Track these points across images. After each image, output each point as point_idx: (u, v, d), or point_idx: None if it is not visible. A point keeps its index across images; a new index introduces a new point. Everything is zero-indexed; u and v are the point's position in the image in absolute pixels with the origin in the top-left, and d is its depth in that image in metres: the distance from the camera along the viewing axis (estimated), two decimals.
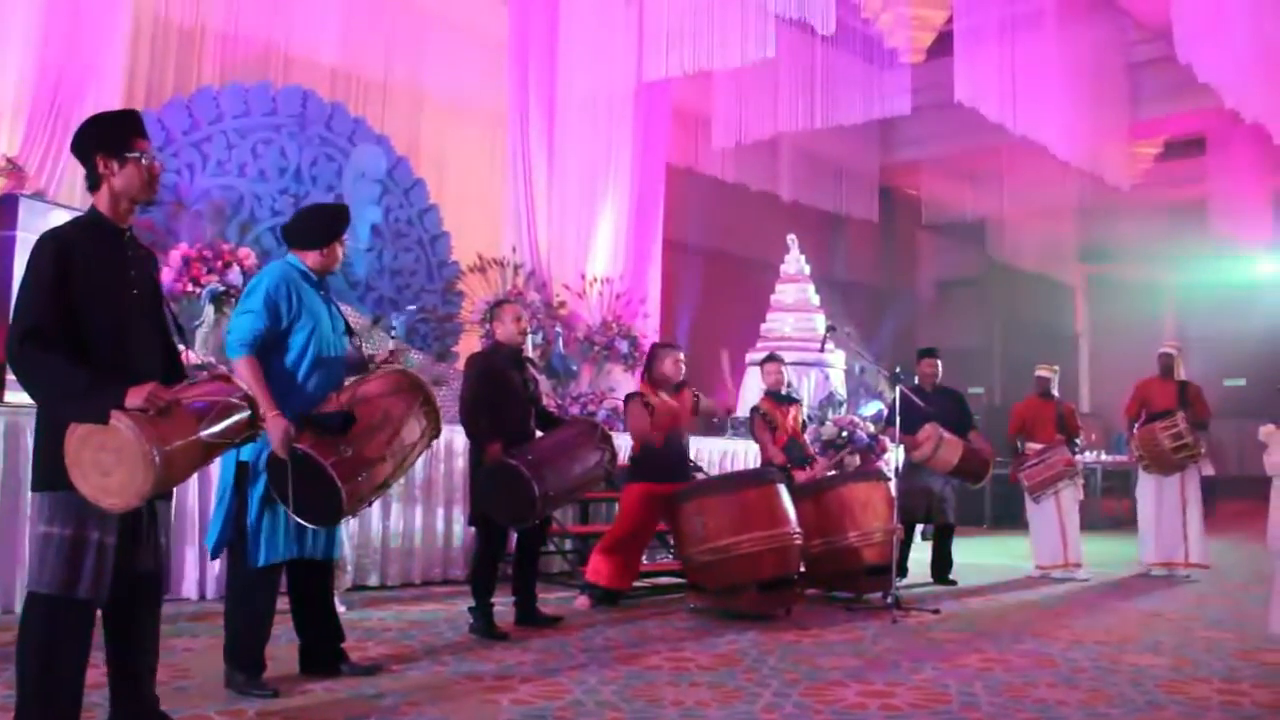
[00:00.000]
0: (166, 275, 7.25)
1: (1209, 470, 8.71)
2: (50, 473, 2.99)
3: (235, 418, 3.17)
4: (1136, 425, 8.71)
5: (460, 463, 7.36)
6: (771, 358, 7.80)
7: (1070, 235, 18.59)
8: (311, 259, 4.35)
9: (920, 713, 4.06)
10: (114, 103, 7.37)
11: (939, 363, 8.48)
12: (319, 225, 4.40)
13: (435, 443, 5.96)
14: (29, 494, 5.27)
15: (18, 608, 5.23)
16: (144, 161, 3.17)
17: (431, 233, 10.34)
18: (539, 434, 5.73)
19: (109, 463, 2.89)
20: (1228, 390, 21.51)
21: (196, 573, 6.11)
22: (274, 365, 4.11)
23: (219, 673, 4.14)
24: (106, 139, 3.16)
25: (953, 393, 8.51)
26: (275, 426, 3.87)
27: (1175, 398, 8.62)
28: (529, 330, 6.22)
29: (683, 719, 3.89)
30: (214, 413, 3.09)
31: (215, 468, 4.58)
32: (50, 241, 3.06)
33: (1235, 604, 7.19)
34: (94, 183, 3.18)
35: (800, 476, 7.12)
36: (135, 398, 2.89)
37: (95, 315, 3.05)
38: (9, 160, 6.97)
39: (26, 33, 7.10)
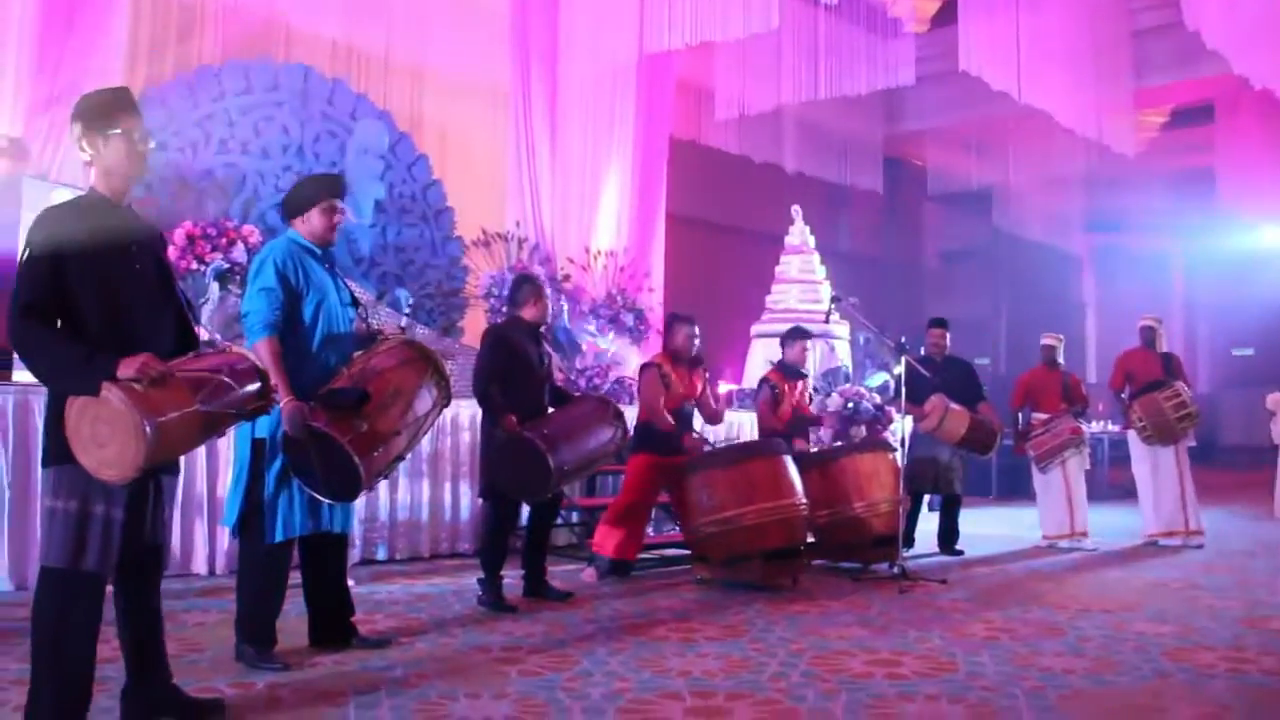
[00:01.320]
0: (170, 254, 7.24)
1: (1192, 441, 8.76)
2: (55, 447, 3.01)
3: (240, 390, 3.17)
4: (1125, 396, 8.75)
5: (467, 436, 7.38)
6: (800, 333, 7.68)
7: (1076, 205, 18.50)
8: (308, 228, 4.35)
9: (927, 681, 4.08)
10: (115, 81, 7.31)
11: (948, 333, 8.46)
12: (298, 194, 4.42)
13: (442, 417, 6.00)
14: (39, 471, 5.35)
15: (32, 585, 5.27)
16: (128, 138, 3.18)
17: (435, 208, 10.31)
18: (551, 410, 5.76)
19: (104, 434, 2.90)
20: (1236, 359, 21.50)
21: (207, 548, 6.15)
22: (284, 340, 4.11)
23: (229, 646, 4.18)
24: (92, 117, 3.19)
25: (962, 363, 8.49)
26: (288, 408, 3.90)
27: (1160, 368, 8.65)
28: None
29: (690, 688, 3.91)
30: (214, 384, 3.09)
31: (230, 445, 4.61)
32: (47, 218, 3.09)
33: (1240, 573, 7.19)
34: (86, 161, 3.22)
35: (800, 444, 7.13)
36: (127, 369, 2.91)
37: (95, 291, 3.06)
38: (11, 140, 6.96)
39: (26, 12, 7.07)
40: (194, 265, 7.48)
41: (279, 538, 4.10)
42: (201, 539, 6.13)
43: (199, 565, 6.12)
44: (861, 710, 3.69)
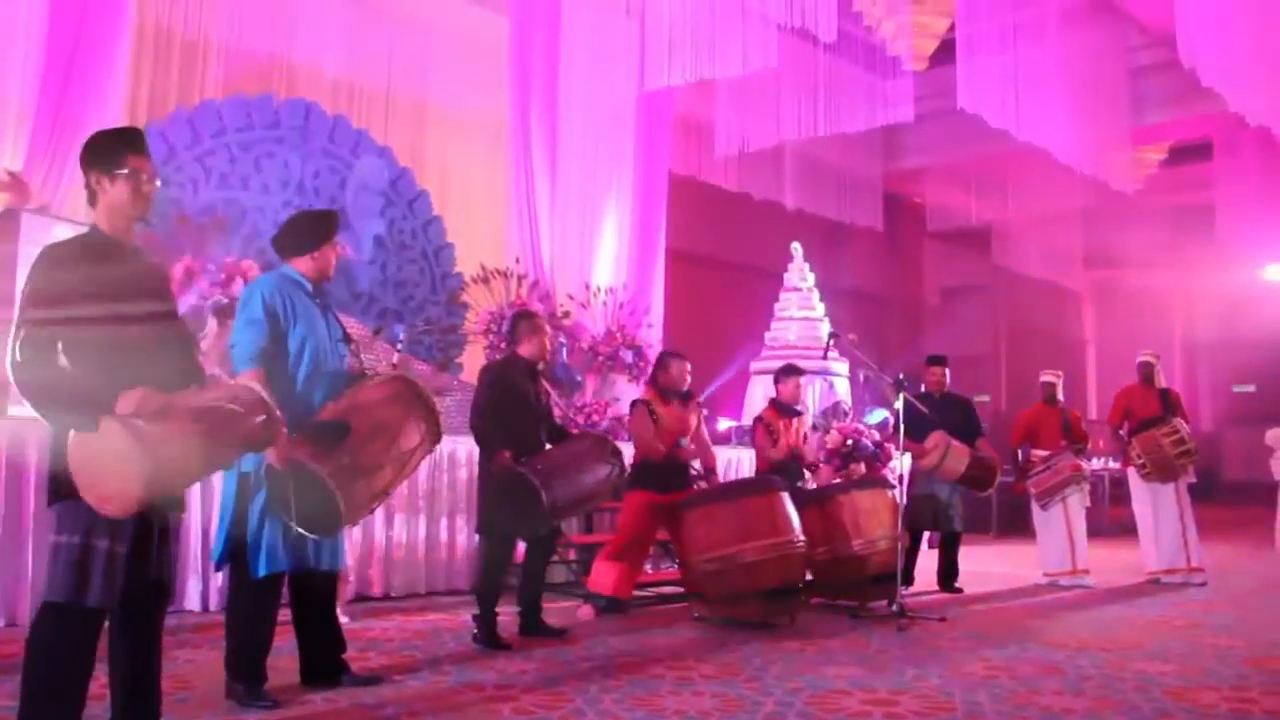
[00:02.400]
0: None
1: (1192, 478, 8.72)
2: (58, 484, 3.02)
3: (245, 422, 3.15)
4: (1123, 432, 8.73)
5: (463, 473, 7.36)
6: (793, 370, 7.71)
7: (1076, 241, 18.52)
8: (303, 266, 4.36)
9: None
10: (117, 116, 7.38)
11: (947, 370, 8.45)
12: (306, 230, 4.41)
13: (437, 452, 5.98)
14: (32, 506, 5.34)
15: (22, 620, 5.24)
16: (134, 179, 3.20)
17: (435, 244, 10.34)
18: (548, 447, 5.75)
19: (105, 469, 2.90)
20: (1237, 396, 21.49)
21: (200, 585, 6.11)
22: (270, 373, 4.10)
23: (220, 684, 4.14)
24: (100, 156, 3.21)
25: (961, 400, 8.47)
26: None
27: (1159, 405, 8.62)
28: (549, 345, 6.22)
29: None
30: (217, 416, 3.08)
31: (220, 480, 4.59)
32: (50, 254, 3.10)
33: (1242, 611, 7.14)
34: (91, 198, 3.24)
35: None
36: (126, 403, 2.90)
37: (97, 328, 3.05)
38: (11, 174, 6.98)
39: (29, 46, 7.11)
40: (193, 301, 7.48)
41: (263, 572, 4.06)
42: (194, 575, 6.09)
43: (192, 602, 6.08)
44: None
